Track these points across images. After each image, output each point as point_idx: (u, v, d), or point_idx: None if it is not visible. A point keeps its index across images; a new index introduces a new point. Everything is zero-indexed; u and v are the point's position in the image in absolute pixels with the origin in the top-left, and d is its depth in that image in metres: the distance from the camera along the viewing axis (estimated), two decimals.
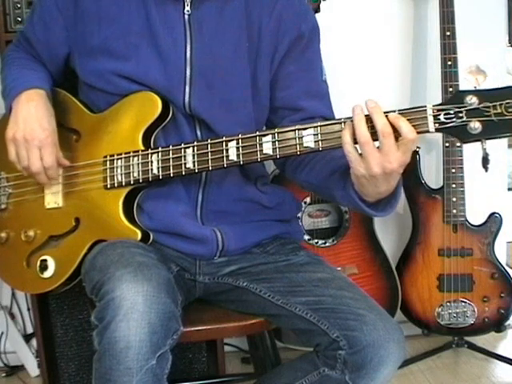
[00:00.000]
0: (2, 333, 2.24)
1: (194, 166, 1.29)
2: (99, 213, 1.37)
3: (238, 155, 1.26)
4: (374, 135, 1.13)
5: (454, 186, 2.07)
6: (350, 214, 2.11)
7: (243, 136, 1.26)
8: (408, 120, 1.12)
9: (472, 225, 2.10)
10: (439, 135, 1.98)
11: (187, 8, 1.35)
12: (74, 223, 1.40)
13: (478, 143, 1.12)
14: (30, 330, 2.26)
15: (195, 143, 1.30)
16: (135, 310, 1.11)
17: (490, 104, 1.09)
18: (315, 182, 1.36)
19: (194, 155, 1.29)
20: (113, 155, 1.36)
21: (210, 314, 1.43)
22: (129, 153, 1.34)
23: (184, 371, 1.97)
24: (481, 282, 2.11)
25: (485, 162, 1.16)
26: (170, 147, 1.31)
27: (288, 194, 1.53)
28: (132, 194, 1.36)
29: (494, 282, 2.11)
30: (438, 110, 1.12)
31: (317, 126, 1.21)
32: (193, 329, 1.34)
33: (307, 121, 1.32)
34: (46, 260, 1.41)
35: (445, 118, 1.12)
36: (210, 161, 1.28)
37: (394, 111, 1.14)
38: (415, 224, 2.14)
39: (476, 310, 2.12)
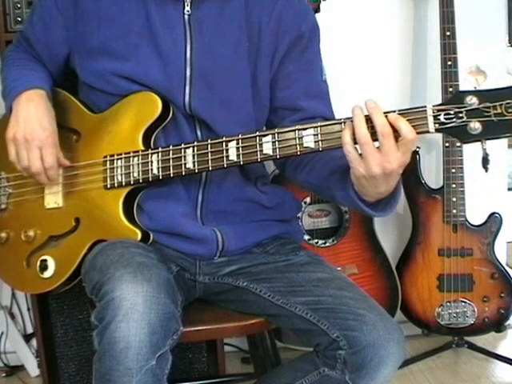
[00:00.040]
0: (2, 333, 2.24)
1: (194, 166, 1.29)
2: (99, 213, 1.37)
3: (238, 155, 1.26)
4: (374, 135, 1.13)
5: (453, 186, 2.07)
6: (350, 214, 2.11)
7: (243, 136, 1.26)
8: (408, 120, 1.12)
9: (472, 225, 2.10)
10: (439, 135, 1.98)
11: (187, 8, 1.35)
12: (73, 223, 1.40)
13: (478, 143, 1.12)
14: (30, 330, 2.26)
15: (195, 143, 1.30)
16: (135, 310, 1.11)
17: (490, 104, 1.09)
18: (315, 181, 1.36)
19: (194, 155, 1.29)
20: (113, 155, 1.36)
21: (210, 314, 1.43)
22: (129, 153, 1.34)
23: (184, 371, 1.97)
24: (481, 281, 2.11)
25: (485, 162, 1.16)
26: (170, 147, 1.31)
27: (288, 194, 1.53)
28: (132, 194, 1.36)
29: (493, 282, 2.11)
30: (438, 111, 1.12)
31: (317, 127, 1.21)
32: (193, 329, 1.34)
33: (307, 121, 1.31)
34: (45, 260, 1.41)
35: (445, 119, 1.12)
36: (210, 161, 1.28)
37: (394, 111, 1.14)
38: (415, 224, 2.14)
39: (476, 309, 2.12)
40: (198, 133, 1.38)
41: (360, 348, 1.20)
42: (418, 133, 1.13)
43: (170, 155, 1.31)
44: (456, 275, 2.11)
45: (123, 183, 1.35)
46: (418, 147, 2.09)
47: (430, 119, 1.12)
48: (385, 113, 1.13)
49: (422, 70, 2.27)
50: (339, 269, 2.07)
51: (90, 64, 1.38)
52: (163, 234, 1.38)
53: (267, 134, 1.25)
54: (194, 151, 1.29)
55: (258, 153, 1.25)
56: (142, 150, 1.34)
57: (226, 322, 1.39)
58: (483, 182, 2.20)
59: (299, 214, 2.05)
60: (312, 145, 1.21)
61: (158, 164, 1.31)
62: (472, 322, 2.13)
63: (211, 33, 1.36)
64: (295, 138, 1.22)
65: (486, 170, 1.16)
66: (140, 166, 1.33)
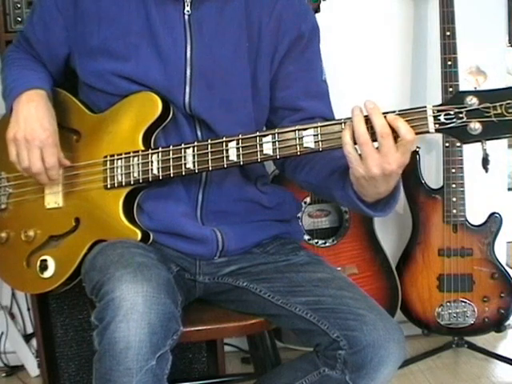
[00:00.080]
0: (2, 333, 2.24)
1: (194, 166, 1.29)
2: (99, 213, 1.37)
3: (238, 155, 1.26)
4: (374, 136, 1.13)
5: (454, 186, 2.07)
6: (350, 214, 2.11)
7: (243, 136, 1.26)
8: (408, 120, 1.12)
9: (472, 225, 2.10)
10: (439, 135, 1.98)
11: (187, 8, 1.35)
12: (74, 223, 1.40)
13: (478, 144, 1.12)
14: (30, 330, 2.26)
15: (195, 143, 1.30)
16: (135, 310, 1.11)
17: (490, 105, 1.09)
18: (314, 181, 1.36)
19: (194, 155, 1.29)
20: (113, 155, 1.36)
21: (210, 314, 1.43)
22: (129, 153, 1.34)
23: (184, 371, 1.97)
24: (481, 281, 2.11)
25: (485, 162, 1.16)
26: (170, 147, 1.31)
27: (288, 194, 1.53)
28: (132, 194, 1.36)
29: (494, 282, 2.11)
30: (439, 111, 1.12)
31: (317, 127, 1.21)
32: (193, 329, 1.34)
33: (307, 121, 1.32)
34: (46, 260, 1.41)
35: (445, 119, 1.12)
36: (210, 161, 1.28)
37: (395, 111, 1.14)
38: (415, 224, 2.14)
39: (476, 309, 2.12)
40: (198, 133, 1.38)
41: (360, 348, 1.20)
42: (418, 133, 1.13)
43: (170, 155, 1.31)
44: (456, 275, 2.11)
45: (123, 183, 1.35)
46: (418, 147, 2.09)
47: (430, 119, 1.12)
48: (384, 113, 1.13)
49: (422, 70, 2.27)
50: (339, 269, 2.07)
51: (89, 64, 1.38)
52: (163, 234, 1.38)
53: (267, 134, 1.25)
54: (194, 151, 1.29)
55: (258, 153, 1.25)
56: (142, 150, 1.34)
57: (226, 322, 1.39)
58: (483, 182, 2.20)
59: (299, 214, 2.05)
60: (312, 145, 1.21)
61: (158, 164, 1.31)
62: (472, 322, 2.12)
63: (211, 33, 1.36)
64: (295, 138, 1.22)
65: (486, 171, 1.16)
66: (140, 166, 1.33)
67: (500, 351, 2.27)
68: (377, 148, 1.13)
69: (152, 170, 1.32)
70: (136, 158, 1.33)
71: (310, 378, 1.29)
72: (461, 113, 1.11)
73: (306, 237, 2.09)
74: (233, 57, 1.37)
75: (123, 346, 1.10)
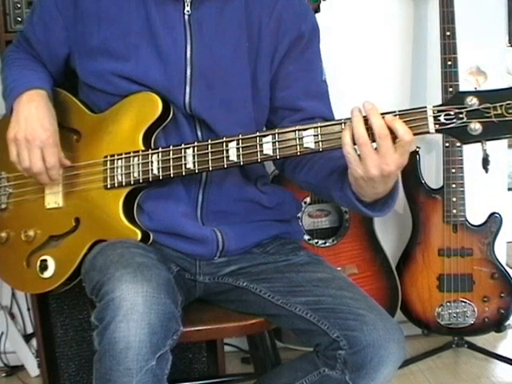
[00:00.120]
0: (2, 333, 2.24)
1: (195, 166, 1.29)
2: (99, 213, 1.37)
3: (238, 156, 1.26)
4: (373, 137, 1.13)
5: (454, 185, 2.07)
6: (350, 214, 2.11)
7: (243, 136, 1.26)
8: (408, 121, 1.12)
9: (472, 225, 2.10)
10: (439, 135, 1.98)
11: (187, 8, 1.35)
12: (74, 223, 1.40)
13: (478, 144, 1.12)
14: (30, 330, 2.26)
15: (195, 143, 1.30)
16: (135, 310, 1.11)
17: (491, 105, 1.09)
18: (314, 182, 1.36)
19: (194, 155, 1.29)
20: (113, 155, 1.36)
21: (210, 314, 1.43)
22: (129, 153, 1.34)
23: (184, 371, 1.97)
24: (481, 281, 2.11)
25: (485, 163, 1.16)
26: (171, 147, 1.31)
27: (288, 194, 1.53)
28: (132, 194, 1.36)
29: (494, 282, 2.11)
30: (439, 111, 1.12)
31: (317, 127, 1.21)
32: (193, 329, 1.34)
33: (307, 121, 1.32)
34: (46, 260, 1.41)
35: (445, 119, 1.12)
36: (210, 161, 1.28)
37: (395, 112, 1.14)
38: (415, 224, 2.14)
39: (476, 309, 2.12)
40: (198, 133, 1.38)
41: (360, 348, 1.20)
42: (418, 133, 1.13)
43: (171, 155, 1.31)
44: (456, 275, 2.11)
45: (123, 183, 1.35)
46: (418, 147, 2.09)
47: (431, 120, 1.12)
48: (383, 114, 1.13)
49: (422, 70, 2.27)
50: (339, 269, 2.07)
51: (90, 64, 1.38)
52: (163, 234, 1.38)
53: (267, 135, 1.25)
54: (194, 151, 1.29)
55: (258, 153, 1.25)
56: (143, 150, 1.34)
57: (226, 322, 1.39)
58: (483, 182, 2.20)
59: (299, 214, 2.05)
60: (312, 145, 1.21)
61: (159, 164, 1.32)
62: (472, 322, 2.12)
63: (211, 33, 1.36)
64: (295, 139, 1.22)
65: (487, 171, 1.16)
66: (140, 166, 1.33)
67: (500, 351, 2.27)
68: (375, 149, 1.13)
69: (152, 170, 1.32)
70: (136, 158, 1.33)
71: (310, 378, 1.29)
72: (461, 113, 1.11)
73: (306, 237, 2.09)
74: (233, 57, 1.37)
75: (123, 346, 1.10)
